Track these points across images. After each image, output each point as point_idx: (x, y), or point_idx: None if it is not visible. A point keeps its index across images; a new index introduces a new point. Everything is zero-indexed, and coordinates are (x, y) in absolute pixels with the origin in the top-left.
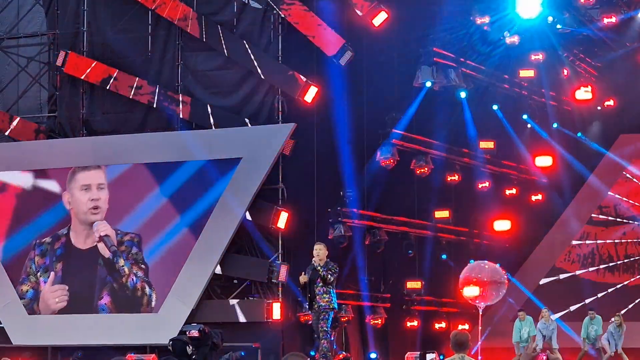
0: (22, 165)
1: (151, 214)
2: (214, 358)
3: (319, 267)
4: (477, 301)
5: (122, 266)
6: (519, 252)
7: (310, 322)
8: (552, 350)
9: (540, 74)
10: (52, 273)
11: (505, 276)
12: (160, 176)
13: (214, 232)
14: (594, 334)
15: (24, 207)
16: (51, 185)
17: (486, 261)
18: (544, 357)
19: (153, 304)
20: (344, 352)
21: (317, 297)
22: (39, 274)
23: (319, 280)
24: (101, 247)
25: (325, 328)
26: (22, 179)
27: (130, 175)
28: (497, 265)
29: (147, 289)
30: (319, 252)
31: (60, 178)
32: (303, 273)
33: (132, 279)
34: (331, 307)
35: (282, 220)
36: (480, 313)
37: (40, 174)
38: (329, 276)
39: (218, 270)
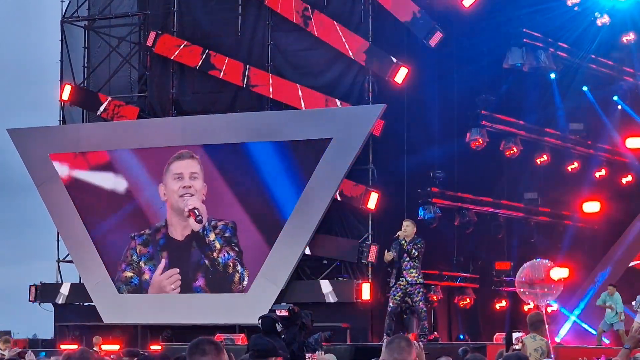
0: (113, 144)
1: (240, 195)
2: (303, 338)
3: (403, 242)
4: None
5: (213, 241)
6: (608, 234)
7: (394, 302)
8: None
9: (631, 55)
10: (163, 260)
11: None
12: (251, 156)
13: (304, 212)
14: None
15: (110, 204)
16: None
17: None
18: None
19: (245, 282)
20: (435, 332)
21: (404, 272)
22: (142, 262)
23: (405, 255)
24: (192, 222)
25: (425, 308)
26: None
27: (220, 156)
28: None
29: (239, 267)
30: (406, 228)
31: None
32: (387, 251)
33: (224, 255)
34: (419, 281)
35: (372, 200)
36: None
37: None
38: (414, 250)
39: (308, 250)
